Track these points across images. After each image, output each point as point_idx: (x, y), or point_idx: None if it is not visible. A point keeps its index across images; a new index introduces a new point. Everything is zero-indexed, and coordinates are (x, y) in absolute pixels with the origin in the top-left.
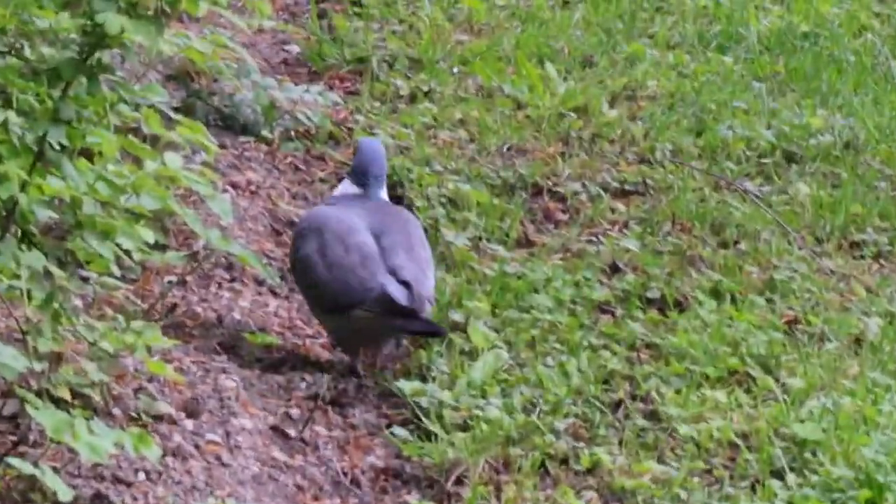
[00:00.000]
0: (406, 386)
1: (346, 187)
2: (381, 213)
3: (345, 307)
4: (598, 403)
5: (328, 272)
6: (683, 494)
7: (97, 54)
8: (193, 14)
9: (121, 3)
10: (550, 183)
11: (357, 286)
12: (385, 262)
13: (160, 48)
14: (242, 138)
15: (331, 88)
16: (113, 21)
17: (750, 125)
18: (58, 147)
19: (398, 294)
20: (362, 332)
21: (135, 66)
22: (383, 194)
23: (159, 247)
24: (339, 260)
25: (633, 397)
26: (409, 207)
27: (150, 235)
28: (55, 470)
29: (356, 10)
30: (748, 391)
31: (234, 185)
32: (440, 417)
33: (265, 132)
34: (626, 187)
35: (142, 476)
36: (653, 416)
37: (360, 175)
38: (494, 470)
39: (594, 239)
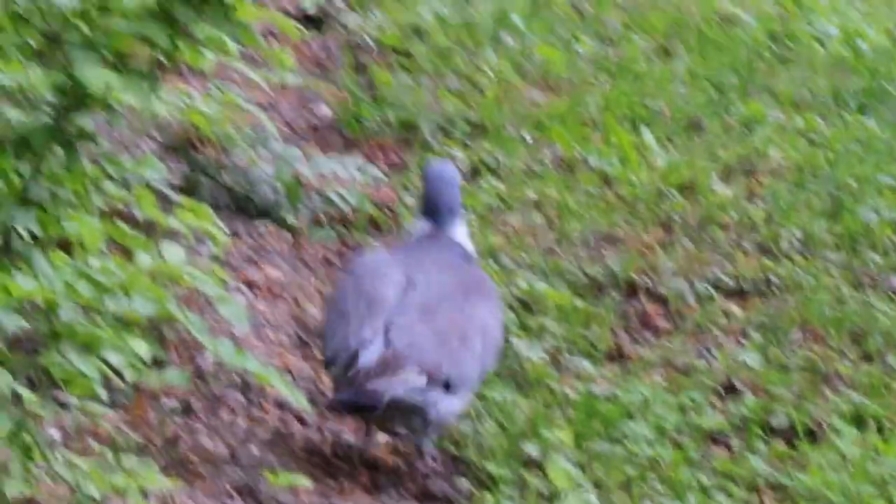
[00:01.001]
0: None
1: (416, 225)
2: (438, 264)
3: (326, 364)
4: None
5: (329, 320)
6: None
7: (76, 119)
8: (197, 67)
9: (106, 53)
10: (648, 281)
11: (339, 341)
12: (387, 319)
13: (156, 110)
14: (260, 224)
15: (371, 161)
16: (96, 77)
17: None
18: (28, 236)
19: (365, 356)
20: None
21: (124, 134)
22: (460, 231)
23: (157, 363)
24: (343, 307)
25: None
26: None
27: (144, 348)
28: None
29: (402, 61)
30: None
31: (251, 284)
32: None
33: (289, 216)
34: (744, 286)
35: None
36: None
37: (430, 209)
38: None
39: (704, 351)
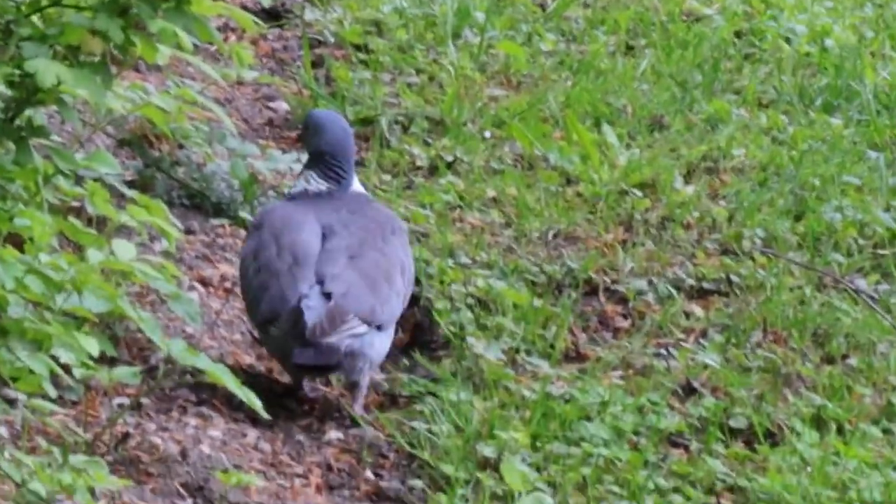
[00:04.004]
0: None
1: (309, 182)
2: (346, 208)
3: (261, 322)
4: None
5: (255, 277)
6: None
7: (27, 113)
8: (152, 61)
9: (57, 47)
10: (608, 280)
11: (275, 297)
12: (317, 269)
13: (109, 105)
14: (215, 221)
15: None
16: (47, 70)
17: (864, 206)
18: None
19: (308, 312)
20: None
21: (77, 129)
22: (356, 185)
23: (107, 360)
24: (268, 263)
25: None
26: (428, 309)
27: (94, 346)
28: None
29: (361, 56)
30: None
31: (204, 282)
32: None
33: (244, 213)
34: (705, 285)
35: None
36: None
37: (331, 162)
38: None
39: (663, 352)
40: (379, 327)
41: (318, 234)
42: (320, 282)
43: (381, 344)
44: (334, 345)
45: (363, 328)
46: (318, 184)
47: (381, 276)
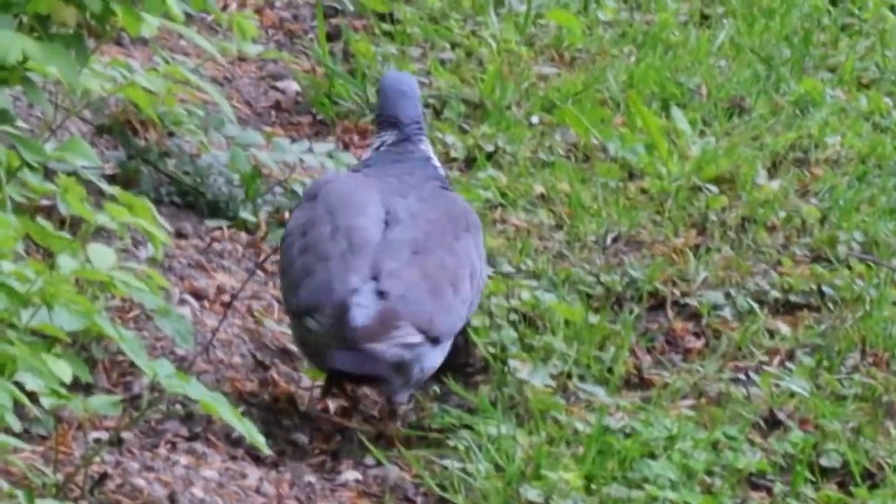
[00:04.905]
0: None
1: (383, 137)
2: (416, 193)
3: (298, 310)
4: None
5: (300, 257)
6: None
7: None
8: (136, 34)
9: (24, 17)
10: (677, 292)
11: (320, 285)
12: (375, 261)
13: (85, 85)
14: (211, 222)
15: (346, 146)
16: (11, 44)
17: None
18: None
19: (357, 310)
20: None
21: (47, 113)
22: (426, 147)
23: (82, 387)
24: (317, 243)
25: None
26: (463, 326)
27: (66, 370)
28: None
29: (385, 27)
30: None
31: (198, 294)
32: None
33: (245, 213)
34: (792, 298)
35: None
36: None
37: (389, 123)
38: None
39: (742, 377)
40: (435, 340)
41: (381, 219)
42: (375, 277)
43: (431, 361)
44: (380, 353)
45: (417, 338)
46: (387, 135)
47: (447, 279)
